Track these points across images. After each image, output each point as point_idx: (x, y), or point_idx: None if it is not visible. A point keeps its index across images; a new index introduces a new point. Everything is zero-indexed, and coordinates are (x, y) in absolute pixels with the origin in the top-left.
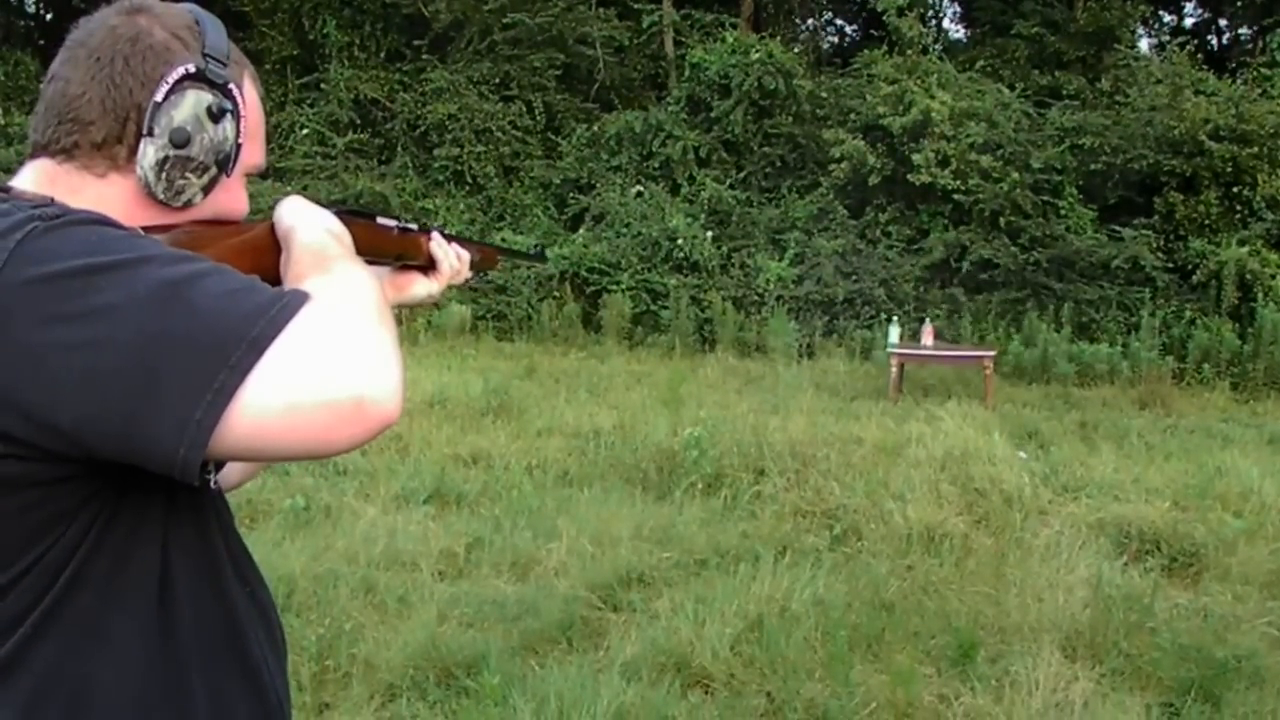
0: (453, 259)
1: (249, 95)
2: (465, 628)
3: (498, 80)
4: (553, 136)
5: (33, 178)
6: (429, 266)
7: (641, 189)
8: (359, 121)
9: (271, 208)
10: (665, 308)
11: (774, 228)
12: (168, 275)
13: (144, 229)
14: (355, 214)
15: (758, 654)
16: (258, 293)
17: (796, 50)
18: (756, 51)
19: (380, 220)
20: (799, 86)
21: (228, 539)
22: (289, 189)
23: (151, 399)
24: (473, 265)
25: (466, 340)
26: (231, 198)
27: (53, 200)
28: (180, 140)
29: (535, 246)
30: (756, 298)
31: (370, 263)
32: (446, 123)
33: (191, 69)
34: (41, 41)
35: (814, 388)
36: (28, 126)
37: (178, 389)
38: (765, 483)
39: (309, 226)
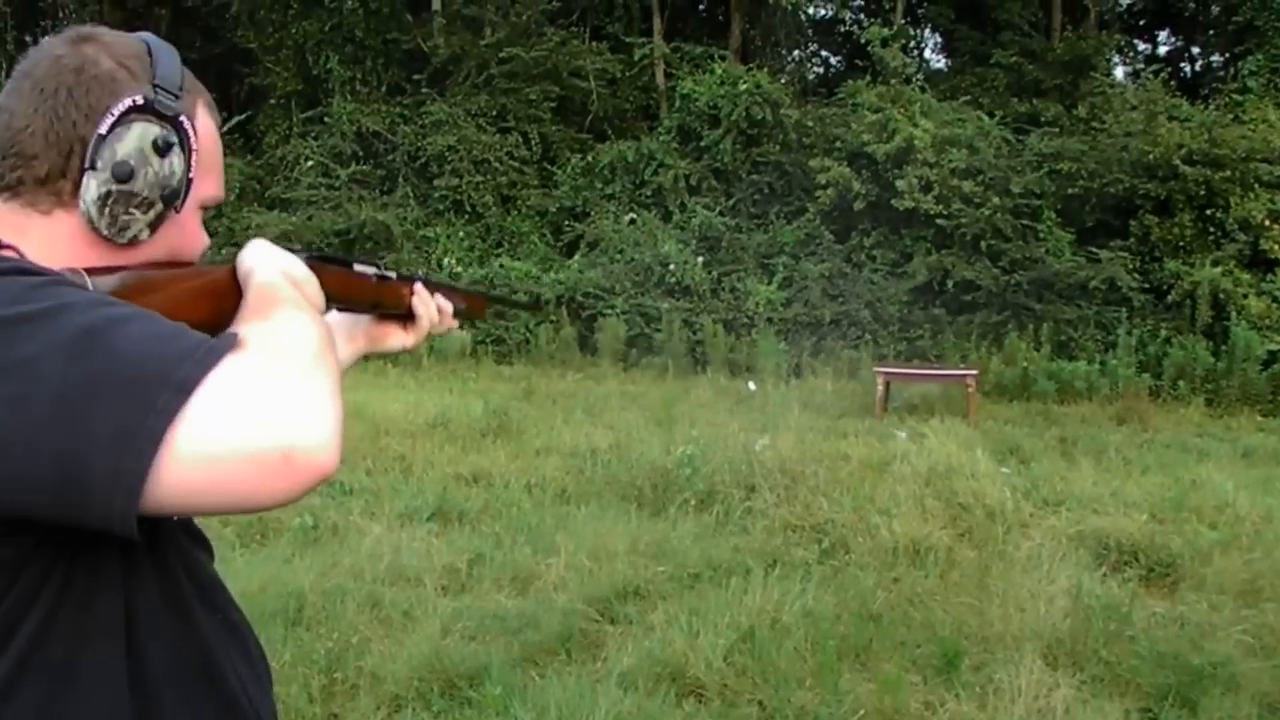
0: (433, 312)
1: (203, 126)
2: (468, 640)
3: (495, 112)
4: (548, 166)
5: None
6: (408, 317)
7: (634, 216)
8: (361, 153)
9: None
10: (658, 331)
11: (763, 253)
12: (87, 321)
13: (92, 271)
14: (329, 260)
15: (750, 664)
16: (182, 337)
17: (783, 81)
18: (744, 82)
19: (357, 267)
20: (786, 116)
21: (190, 568)
22: (294, 219)
23: (80, 450)
24: (459, 314)
25: (467, 364)
26: (185, 234)
27: (0, 243)
28: (123, 174)
29: (531, 295)
30: (746, 320)
31: (345, 309)
32: (446, 154)
33: (139, 100)
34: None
35: (802, 406)
36: None
37: (106, 438)
38: (756, 499)
39: (265, 269)
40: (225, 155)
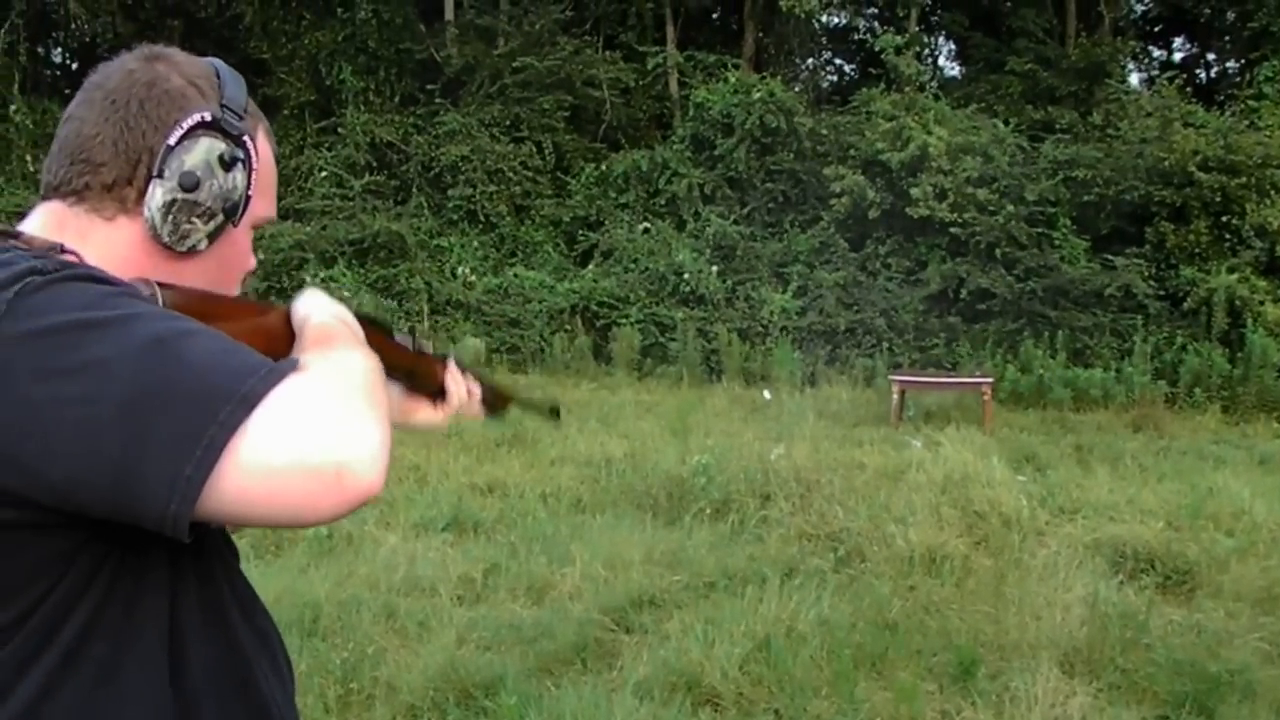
0: (463, 392)
1: (263, 149)
2: (483, 650)
3: (508, 122)
4: (562, 176)
5: (42, 221)
6: (438, 394)
7: (648, 225)
8: (375, 164)
9: (293, 298)
10: (673, 340)
11: (777, 261)
12: (157, 330)
13: (163, 286)
14: (372, 323)
15: (765, 673)
16: (248, 354)
17: (797, 89)
18: (758, 91)
19: (397, 336)
20: (800, 124)
21: (230, 576)
22: (308, 229)
23: (141, 452)
24: (485, 402)
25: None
26: (237, 250)
27: (61, 247)
28: (189, 184)
29: (551, 406)
30: (761, 329)
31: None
32: (460, 164)
33: (207, 116)
34: (68, 90)
35: (817, 415)
36: None
37: (168, 443)
38: (771, 507)
39: (322, 313)
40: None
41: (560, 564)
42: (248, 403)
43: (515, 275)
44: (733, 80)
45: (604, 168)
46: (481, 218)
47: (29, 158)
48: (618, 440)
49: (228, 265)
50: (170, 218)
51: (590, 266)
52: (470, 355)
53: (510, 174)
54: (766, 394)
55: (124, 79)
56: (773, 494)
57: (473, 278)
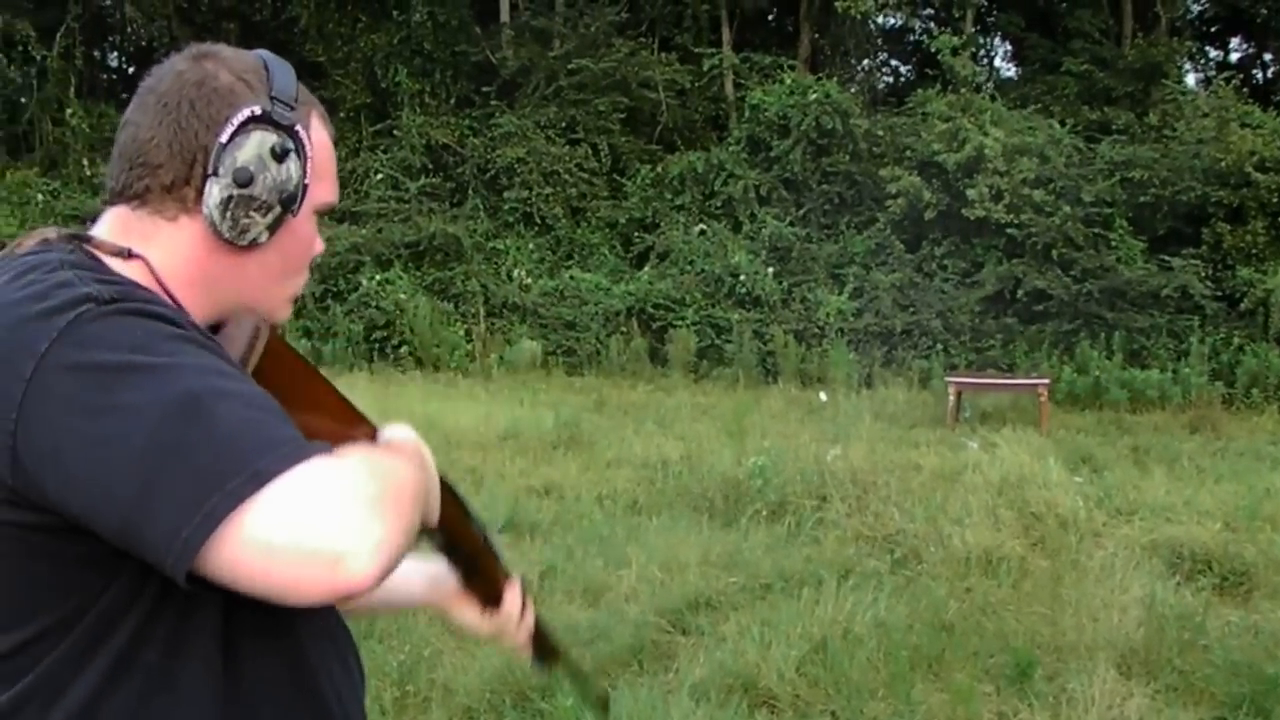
0: (517, 613)
1: (317, 135)
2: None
3: (564, 124)
4: (618, 177)
5: (109, 226)
6: (492, 603)
7: (704, 227)
8: (431, 166)
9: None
10: (729, 342)
11: (833, 263)
12: (195, 387)
13: (268, 352)
14: (454, 496)
15: (822, 674)
16: (279, 426)
17: (853, 90)
18: (814, 92)
19: (472, 514)
20: (856, 125)
21: None
22: (364, 232)
23: (149, 505)
24: (536, 645)
25: (537, 375)
26: (299, 239)
27: (129, 251)
28: (244, 180)
29: (600, 695)
30: (817, 331)
31: (443, 548)
32: (515, 166)
33: (256, 111)
34: (124, 94)
35: (874, 417)
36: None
37: (172, 502)
38: (828, 509)
39: (405, 440)
40: None
41: (616, 566)
42: (259, 479)
43: (571, 277)
44: (788, 82)
45: (660, 169)
46: (537, 220)
47: (85, 161)
48: (674, 442)
49: (290, 255)
50: (229, 214)
51: (646, 268)
52: (526, 356)
53: (566, 176)
54: (822, 396)
55: (174, 80)
56: (829, 495)
57: (528, 280)
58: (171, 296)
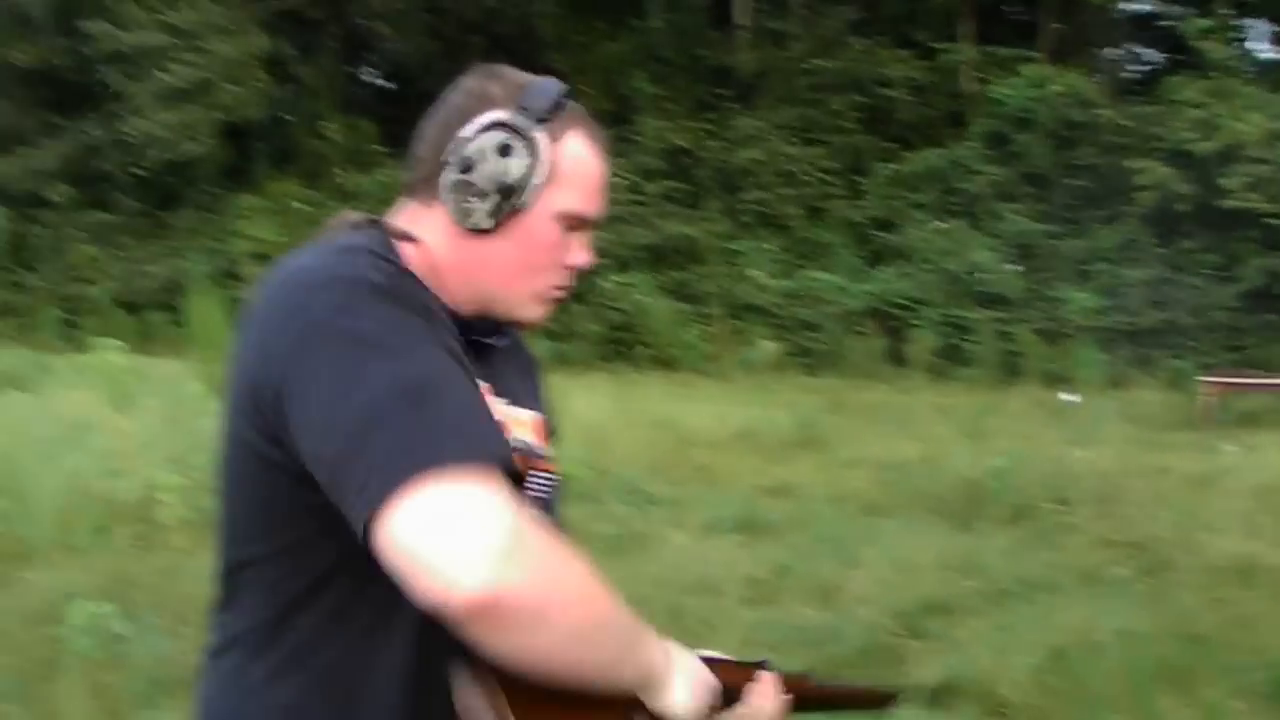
0: (766, 707)
1: (572, 149)
2: (767, 651)
3: (801, 125)
4: (855, 177)
5: (398, 214)
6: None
7: (944, 224)
8: (669, 169)
9: None
10: (970, 341)
11: (1079, 259)
12: (425, 375)
13: None
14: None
15: (1059, 683)
16: (486, 430)
17: (1097, 80)
18: (1057, 83)
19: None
20: (1101, 116)
21: None
22: (603, 235)
23: (351, 463)
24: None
25: (775, 376)
26: (537, 241)
27: (409, 234)
28: (465, 166)
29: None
30: (1062, 329)
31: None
32: (752, 167)
33: (501, 117)
34: (379, 109)
35: (1122, 418)
36: (366, 185)
37: (372, 463)
38: (1070, 513)
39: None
40: None
41: (849, 567)
42: (441, 471)
43: (809, 278)
44: (1030, 73)
45: (898, 167)
46: (775, 220)
47: (337, 171)
48: (911, 443)
49: (527, 250)
50: (454, 196)
51: (885, 267)
52: (764, 356)
53: (803, 176)
54: (1068, 396)
55: (459, 92)
56: (1072, 499)
57: (766, 281)
58: (439, 279)
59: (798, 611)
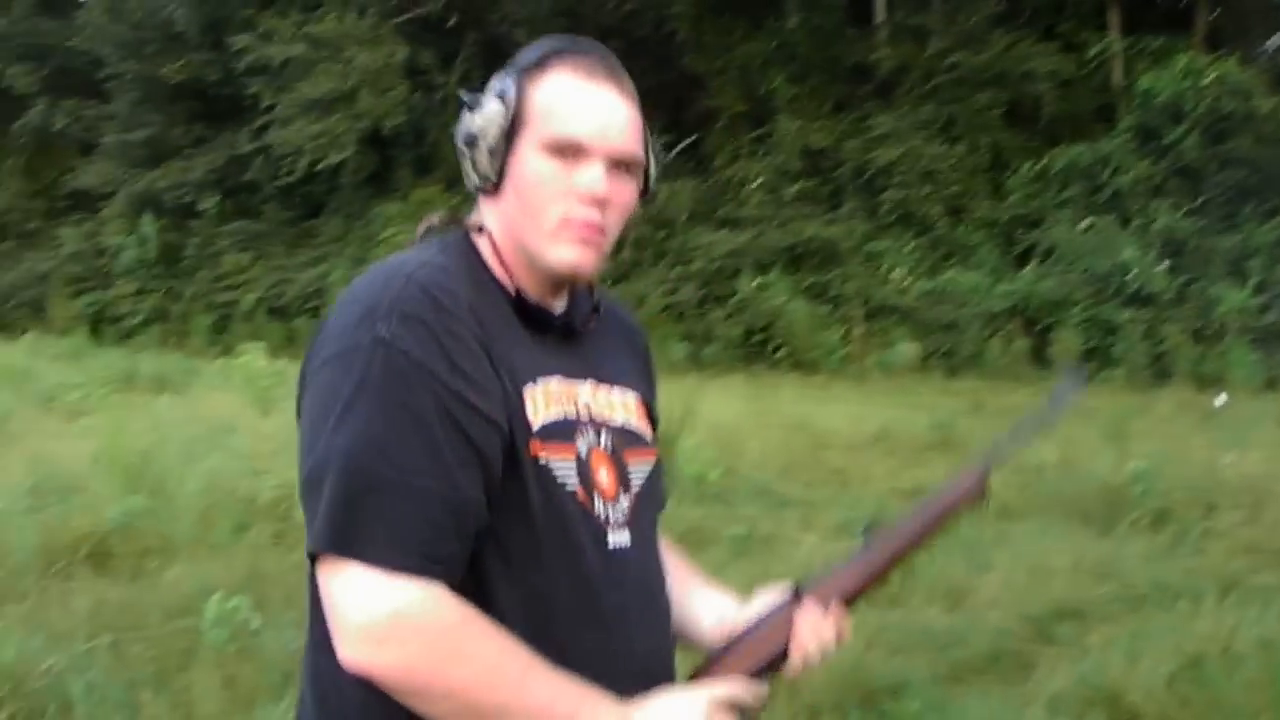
0: (819, 637)
1: (548, 85)
2: (892, 654)
3: (942, 122)
4: (998, 174)
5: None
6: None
7: (1091, 222)
8: (808, 170)
9: None
10: (1117, 342)
11: (1234, 256)
12: (371, 463)
13: None
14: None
15: (1194, 693)
16: (421, 522)
17: (1255, 69)
18: (1211, 74)
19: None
20: (1258, 107)
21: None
22: (742, 237)
23: (305, 497)
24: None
25: (914, 377)
26: (531, 175)
27: (481, 226)
28: (458, 138)
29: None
30: (1215, 329)
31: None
32: (893, 167)
33: (464, 95)
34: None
35: (1275, 421)
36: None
37: (313, 515)
38: (1216, 518)
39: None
40: (675, 178)
41: (980, 570)
42: (360, 556)
43: (951, 278)
44: (1182, 64)
45: (1043, 164)
46: (916, 220)
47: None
48: (1051, 445)
49: (525, 192)
50: (462, 166)
51: (1029, 267)
52: (904, 358)
53: (945, 175)
54: (1220, 398)
55: None
56: (1219, 504)
57: (907, 281)
58: (503, 258)
59: (924, 614)
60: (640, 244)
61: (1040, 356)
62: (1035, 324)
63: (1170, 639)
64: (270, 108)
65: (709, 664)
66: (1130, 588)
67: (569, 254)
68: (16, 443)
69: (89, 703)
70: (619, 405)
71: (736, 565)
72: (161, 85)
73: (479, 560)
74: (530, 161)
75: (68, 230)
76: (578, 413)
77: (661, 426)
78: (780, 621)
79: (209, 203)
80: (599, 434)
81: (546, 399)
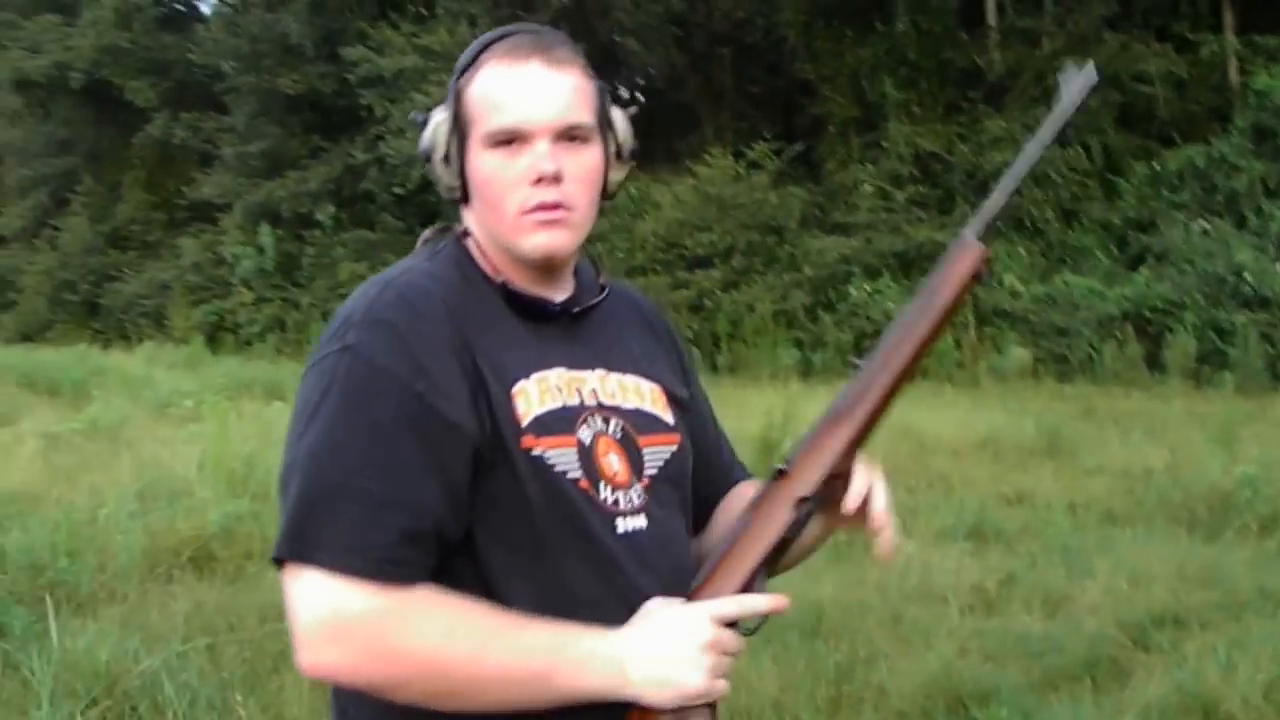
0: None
1: (477, 83)
2: (984, 661)
3: None
4: (1111, 177)
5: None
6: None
7: (1206, 224)
8: (918, 174)
9: None
10: (1233, 346)
11: None
12: (335, 472)
13: None
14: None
15: None
16: (376, 526)
17: None
18: None
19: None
20: None
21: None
22: (853, 243)
23: (281, 495)
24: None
25: (1026, 383)
26: (479, 172)
27: (466, 230)
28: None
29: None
30: None
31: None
32: (1004, 170)
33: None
34: (634, 122)
35: None
36: (618, 197)
37: (284, 514)
38: None
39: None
40: (788, 184)
41: (1080, 577)
42: (315, 561)
43: (1063, 282)
44: None
45: (1156, 166)
46: (1027, 224)
47: None
48: (1160, 451)
49: (481, 185)
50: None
51: (1142, 270)
52: (1015, 363)
53: (1057, 178)
54: None
55: None
56: None
57: (1019, 286)
58: (489, 258)
59: (1021, 621)
60: (751, 250)
61: (1154, 361)
62: (1148, 328)
63: (1270, 647)
64: (384, 118)
65: (706, 574)
66: (1232, 595)
67: (538, 240)
68: (128, 449)
69: (181, 703)
70: (631, 390)
71: (831, 569)
72: (278, 97)
73: (482, 558)
74: (480, 161)
75: (188, 241)
76: (582, 401)
77: (764, 430)
78: (769, 510)
79: (325, 213)
80: (607, 421)
81: (542, 391)
